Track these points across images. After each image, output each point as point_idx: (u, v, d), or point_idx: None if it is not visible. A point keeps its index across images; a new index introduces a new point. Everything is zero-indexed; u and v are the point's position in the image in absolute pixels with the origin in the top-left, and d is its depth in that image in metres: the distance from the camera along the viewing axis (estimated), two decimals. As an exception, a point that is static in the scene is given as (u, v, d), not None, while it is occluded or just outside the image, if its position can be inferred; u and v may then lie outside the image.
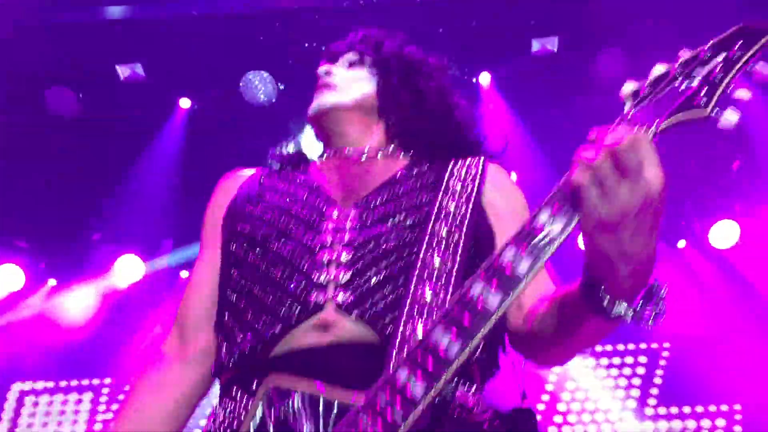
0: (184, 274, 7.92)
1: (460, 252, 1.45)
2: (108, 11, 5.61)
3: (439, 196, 1.58)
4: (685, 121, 1.21)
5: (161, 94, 6.25)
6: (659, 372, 7.48)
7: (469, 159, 1.75)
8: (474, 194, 1.60)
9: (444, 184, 1.62)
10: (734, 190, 7.06)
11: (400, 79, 1.84)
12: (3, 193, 6.49)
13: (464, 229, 1.49)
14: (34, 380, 7.66)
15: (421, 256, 1.42)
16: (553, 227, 1.16)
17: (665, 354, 7.45)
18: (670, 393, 7.33)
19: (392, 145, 1.82)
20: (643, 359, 7.46)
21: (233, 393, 1.43)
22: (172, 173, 6.70)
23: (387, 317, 1.38)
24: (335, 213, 1.55)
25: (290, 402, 1.29)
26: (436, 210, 1.53)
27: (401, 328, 1.30)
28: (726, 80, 1.20)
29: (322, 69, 1.86)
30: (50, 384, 7.72)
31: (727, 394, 7.19)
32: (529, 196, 1.82)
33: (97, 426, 7.50)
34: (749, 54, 1.21)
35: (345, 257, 1.46)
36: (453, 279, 1.38)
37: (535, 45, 5.79)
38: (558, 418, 7.28)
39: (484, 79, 6.10)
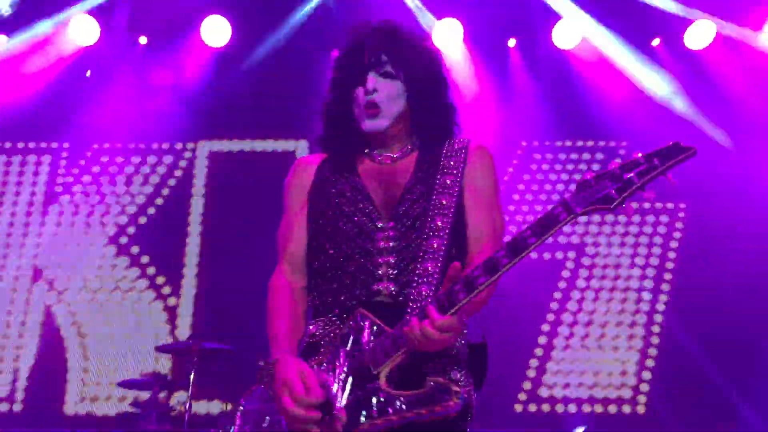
0: (142, 40, 7.62)
1: (452, 214, 2.13)
2: None
3: (437, 174, 2.19)
4: (598, 210, 1.84)
5: None
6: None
7: (455, 139, 2.29)
8: (462, 167, 2.20)
9: (441, 162, 2.21)
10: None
11: (428, 89, 2.28)
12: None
13: (455, 198, 2.15)
14: (-9, 140, 7.59)
15: (427, 225, 2.13)
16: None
17: (621, 152, 7.61)
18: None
19: (410, 143, 2.32)
20: (600, 156, 7.61)
21: (327, 319, 2.17)
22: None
23: (412, 291, 2.06)
24: (380, 224, 2.17)
25: (364, 323, 2.04)
26: (437, 185, 2.16)
27: (414, 293, 2.05)
28: (636, 186, 1.82)
29: (368, 86, 2.24)
30: (8, 145, 7.66)
31: (675, 193, 7.48)
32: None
33: (57, 188, 7.57)
34: (664, 167, 1.85)
35: (393, 259, 2.12)
36: (447, 235, 2.09)
37: None
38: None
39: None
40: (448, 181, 2.15)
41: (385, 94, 2.23)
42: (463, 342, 2.10)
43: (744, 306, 6.82)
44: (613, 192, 1.80)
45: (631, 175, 1.81)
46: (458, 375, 2.03)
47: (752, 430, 6.57)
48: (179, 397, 5.74)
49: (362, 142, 2.32)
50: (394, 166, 2.26)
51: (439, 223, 2.07)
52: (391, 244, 2.11)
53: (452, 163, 2.19)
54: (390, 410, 1.87)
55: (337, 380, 1.96)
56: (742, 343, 6.73)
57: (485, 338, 2.07)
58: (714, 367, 6.75)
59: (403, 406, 1.85)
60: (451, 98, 2.35)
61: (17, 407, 6.86)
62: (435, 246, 2.04)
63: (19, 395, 6.89)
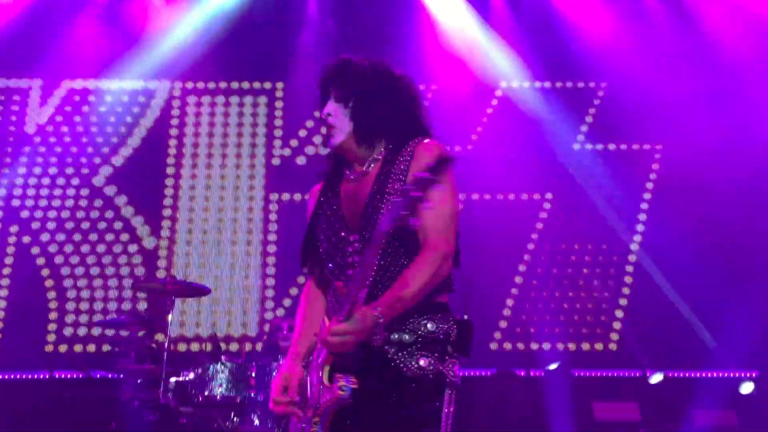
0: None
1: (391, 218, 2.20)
2: None
3: (389, 180, 2.34)
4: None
5: None
6: (591, 110, 7.67)
7: (411, 144, 2.39)
8: (407, 169, 2.33)
9: (395, 168, 2.36)
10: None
11: (376, 101, 2.42)
12: None
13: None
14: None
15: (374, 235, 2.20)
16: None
17: (600, 93, 7.60)
18: (599, 130, 7.60)
19: (372, 158, 2.45)
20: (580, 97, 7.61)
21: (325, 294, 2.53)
22: None
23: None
24: (351, 239, 2.37)
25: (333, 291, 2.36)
26: (386, 193, 2.32)
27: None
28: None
29: (324, 112, 2.48)
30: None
31: (651, 134, 7.51)
32: None
33: (29, 128, 7.44)
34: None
35: (354, 265, 2.32)
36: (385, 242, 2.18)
37: None
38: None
39: None
40: (396, 186, 2.26)
41: (337, 114, 2.44)
42: (435, 326, 2.29)
43: (715, 247, 6.94)
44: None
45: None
46: (423, 361, 2.22)
47: (721, 365, 6.75)
48: (158, 337, 5.78)
49: (342, 164, 2.52)
50: (361, 181, 2.42)
51: (384, 230, 2.11)
52: (356, 257, 2.32)
53: (402, 167, 2.32)
54: (323, 400, 2.22)
55: (317, 374, 2.27)
56: (712, 282, 6.86)
57: (468, 317, 2.30)
58: (686, 306, 6.90)
59: (326, 398, 2.21)
60: (406, 108, 2.47)
61: (-5, 348, 6.87)
62: (372, 255, 2.15)
63: (-2, 336, 6.90)
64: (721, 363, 6.72)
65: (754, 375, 6.73)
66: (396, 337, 2.22)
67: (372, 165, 2.42)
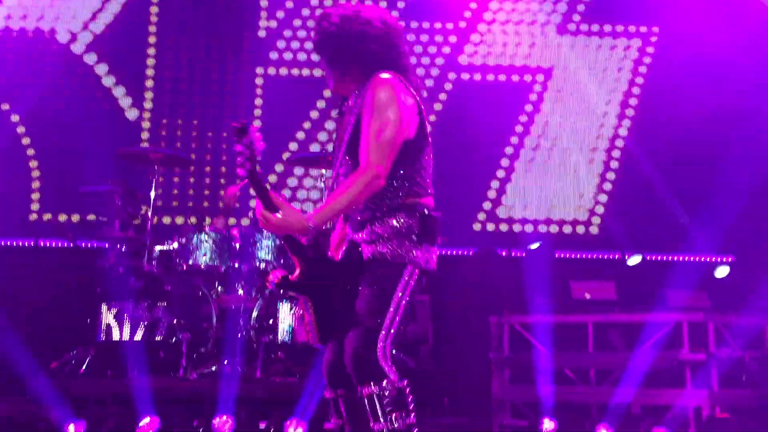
0: None
1: (345, 144, 2.79)
2: None
3: (353, 115, 2.77)
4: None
5: None
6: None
7: (370, 79, 2.77)
8: (361, 101, 2.75)
9: (355, 102, 2.80)
10: None
11: (339, 53, 2.83)
12: None
13: (350, 130, 2.76)
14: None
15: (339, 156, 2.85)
16: None
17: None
18: (595, 10, 7.40)
19: (351, 96, 2.88)
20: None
21: None
22: None
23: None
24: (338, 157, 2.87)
25: None
26: (346, 122, 2.83)
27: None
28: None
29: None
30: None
31: (648, 16, 7.33)
32: None
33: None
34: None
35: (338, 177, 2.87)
36: (342, 159, 2.82)
37: None
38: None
39: None
40: (351, 120, 2.76)
41: (324, 68, 2.94)
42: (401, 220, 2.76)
43: (703, 135, 6.92)
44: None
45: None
46: (384, 248, 2.71)
47: (699, 250, 6.89)
48: (142, 208, 5.77)
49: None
50: (345, 114, 2.88)
51: (339, 154, 2.79)
52: (341, 169, 2.86)
53: (358, 102, 2.76)
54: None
55: None
56: (697, 170, 6.89)
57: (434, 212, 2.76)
58: (668, 193, 6.95)
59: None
60: (369, 50, 2.79)
61: (-21, 216, 6.86)
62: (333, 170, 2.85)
63: (-17, 204, 6.87)
64: (698, 248, 6.85)
65: (730, 260, 6.88)
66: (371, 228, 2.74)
67: (350, 102, 2.85)
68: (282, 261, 5.32)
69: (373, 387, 2.55)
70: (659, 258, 6.95)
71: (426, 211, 2.70)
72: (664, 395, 4.73)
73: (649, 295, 5.42)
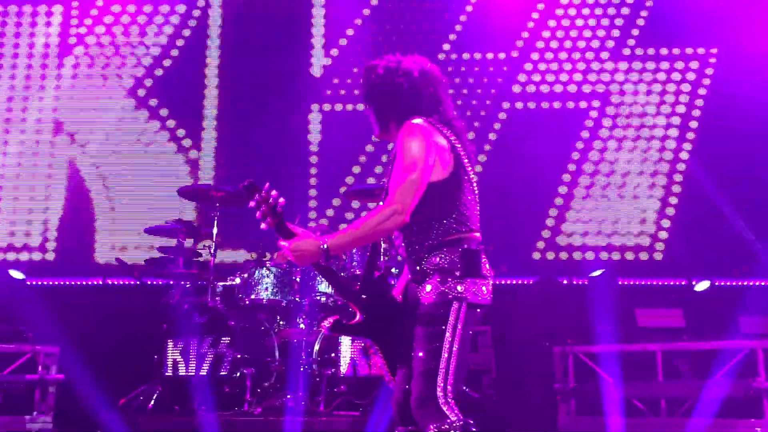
0: None
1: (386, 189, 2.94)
2: None
3: (391, 162, 2.93)
4: None
5: None
6: (643, 13, 7.37)
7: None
8: (394, 153, 2.89)
9: (393, 151, 2.91)
10: None
11: (376, 101, 3.03)
12: None
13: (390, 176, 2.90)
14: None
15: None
16: None
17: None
18: (650, 34, 7.32)
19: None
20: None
21: None
22: None
23: None
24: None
25: None
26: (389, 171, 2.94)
27: None
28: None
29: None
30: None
31: (705, 37, 7.22)
32: None
33: (71, 39, 7.46)
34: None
35: None
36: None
37: None
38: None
39: None
40: (389, 168, 2.91)
41: (369, 114, 3.09)
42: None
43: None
44: None
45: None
46: (429, 286, 2.78)
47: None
48: (205, 244, 5.89)
49: None
50: (389, 163, 3.03)
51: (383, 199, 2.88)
52: None
53: (395, 148, 2.89)
54: None
55: None
56: (762, 191, 6.69)
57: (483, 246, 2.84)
58: (735, 215, 6.76)
59: None
60: (404, 98, 2.95)
61: (50, 256, 7.09)
62: None
63: (51, 245, 7.11)
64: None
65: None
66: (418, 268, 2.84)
67: (393, 149, 2.98)
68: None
69: (433, 430, 2.60)
70: (728, 283, 6.73)
71: (467, 246, 2.76)
72: (739, 426, 4.55)
73: (718, 322, 5.25)
